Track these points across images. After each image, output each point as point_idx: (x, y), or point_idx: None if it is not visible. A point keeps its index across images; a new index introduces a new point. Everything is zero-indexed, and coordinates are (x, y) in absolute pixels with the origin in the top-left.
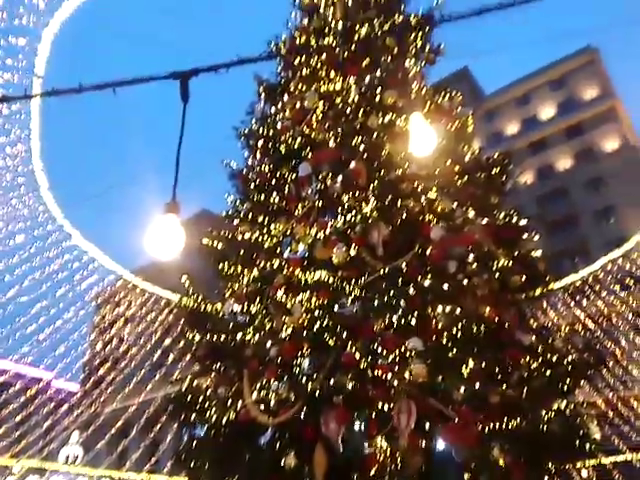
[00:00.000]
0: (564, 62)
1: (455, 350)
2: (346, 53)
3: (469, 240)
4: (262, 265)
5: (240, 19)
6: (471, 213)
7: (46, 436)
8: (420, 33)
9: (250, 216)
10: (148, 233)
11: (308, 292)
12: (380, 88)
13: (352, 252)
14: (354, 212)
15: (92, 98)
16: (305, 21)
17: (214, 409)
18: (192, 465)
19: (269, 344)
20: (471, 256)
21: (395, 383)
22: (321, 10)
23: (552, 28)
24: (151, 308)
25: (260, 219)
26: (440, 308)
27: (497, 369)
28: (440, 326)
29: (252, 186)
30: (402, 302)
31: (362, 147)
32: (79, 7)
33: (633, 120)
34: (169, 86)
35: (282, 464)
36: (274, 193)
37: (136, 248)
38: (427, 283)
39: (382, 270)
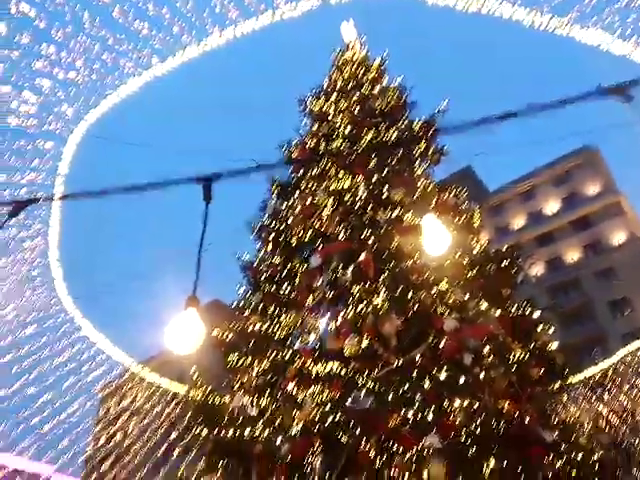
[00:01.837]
0: (565, 160)
1: (474, 448)
2: (354, 155)
3: (484, 332)
4: (273, 356)
5: (254, 122)
6: (484, 305)
7: None
8: (424, 136)
9: (261, 307)
10: (169, 327)
11: (319, 385)
12: (387, 186)
13: (364, 343)
14: (365, 303)
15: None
16: (315, 127)
17: None
18: None
19: (279, 440)
20: (486, 348)
21: None
22: (330, 117)
23: (553, 127)
24: (157, 401)
25: (271, 310)
26: (457, 402)
27: (519, 468)
28: (458, 422)
29: (263, 278)
30: (418, 396)
31: (371, 240)
32: (104, 114)
33: (638, 214)
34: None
35: None
36: (285, 284)
37: (146, 339)
38: (443, 376)
39: (396, 363)
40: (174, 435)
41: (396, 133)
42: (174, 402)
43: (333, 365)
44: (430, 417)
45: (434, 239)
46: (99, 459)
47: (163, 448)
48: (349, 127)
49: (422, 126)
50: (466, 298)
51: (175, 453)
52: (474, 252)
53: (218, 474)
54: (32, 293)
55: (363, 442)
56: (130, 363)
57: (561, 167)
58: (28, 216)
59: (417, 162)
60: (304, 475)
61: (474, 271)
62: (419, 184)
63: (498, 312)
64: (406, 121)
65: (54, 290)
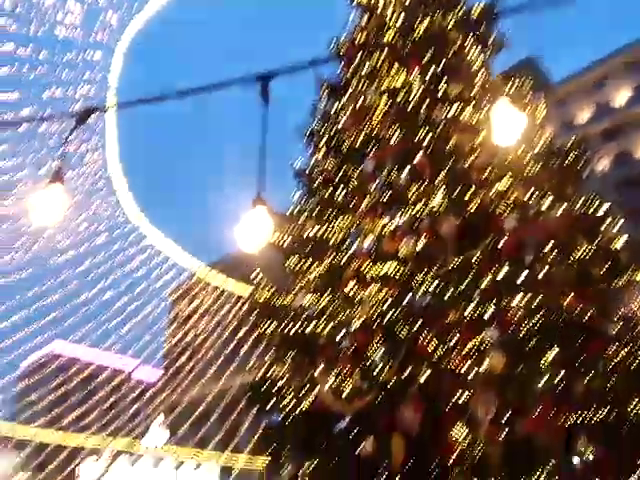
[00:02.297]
0: (638, 45)
1: (534, 340)
2: (407, 48)
3: (545, 229)
4: (331, 259)
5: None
6: (547, 202)
7: (132, 420)
8: (483, 24)
9: (317, 212)
10: (239, 225)
11: (378, 284)
12: (444, 80)
13: (420, 245)
14: (421, 204)
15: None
16: (364, 19)
17: (290, 396)
18: (272, 449)
19: (341, 334)
20: (548, 246)
21: (472, 374)
22: (379, 8)
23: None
24: (225, 301)
25: (326, 215)
26: (517, 298)
27: (580, 359)
28: (517, 317)
29: (317, 183)
30: (476, 293)
31: (427, 140)
32: (148, 22)
33: None
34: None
35: (359, 451)
36: (339, 189)
37: (210, 241)
38: (502, 274)
39: (453, 263)
40: (243, 331)
41: (453, 21)
42: (241, 301)
43: (390, 266)
44: (489, 312)
45: (506, 126)
46: (176, 354)
47: (233, 344)
48: (401, 17)
49: (482, 11)
50: (528, 196)
51: (245, 348)
52: (537, 147)
53: (286, 365)
54: (99, 205)
55: (422, 336)
56: (197, 267)
57: (633, 53)
58: (86, 131)
59: (476, 52)
60: (366, 365)
61: (537, 167)
62: (478, 77)
63: (562, 209)
64: (464, 7)
65: (118, 200)
